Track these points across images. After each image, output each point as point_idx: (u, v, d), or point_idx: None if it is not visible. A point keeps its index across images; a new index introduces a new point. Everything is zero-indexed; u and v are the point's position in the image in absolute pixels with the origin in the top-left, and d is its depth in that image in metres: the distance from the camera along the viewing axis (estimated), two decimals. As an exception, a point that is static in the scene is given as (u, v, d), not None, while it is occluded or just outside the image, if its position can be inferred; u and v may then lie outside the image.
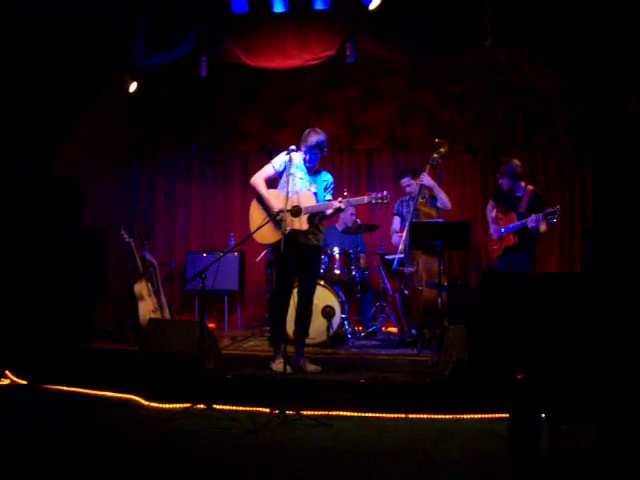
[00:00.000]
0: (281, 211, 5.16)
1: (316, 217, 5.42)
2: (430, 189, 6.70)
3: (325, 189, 5.50)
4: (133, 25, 6.16)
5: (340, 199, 5.31)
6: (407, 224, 6.43)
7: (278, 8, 6.03)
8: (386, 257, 7.23)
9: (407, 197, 7.00)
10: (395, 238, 6.92)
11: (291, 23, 6.11)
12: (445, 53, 6.10)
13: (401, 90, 8.35)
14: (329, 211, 5.38)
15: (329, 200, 5.42)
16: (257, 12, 6.09)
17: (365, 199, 5.36)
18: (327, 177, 5.56)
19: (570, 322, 2.77)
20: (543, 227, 6.03)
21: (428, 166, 6.66)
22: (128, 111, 8.07)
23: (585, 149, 7.93)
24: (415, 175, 6.91)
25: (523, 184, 6.32)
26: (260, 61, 6.30)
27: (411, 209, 6.58)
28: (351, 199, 5.34)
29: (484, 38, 5.65)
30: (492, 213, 6.51)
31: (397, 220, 7.06)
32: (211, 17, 6.21)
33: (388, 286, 7.27)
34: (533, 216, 5.97)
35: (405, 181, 6.96)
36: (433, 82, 8.27)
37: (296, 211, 5.26)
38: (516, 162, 6.28)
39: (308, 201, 5.34)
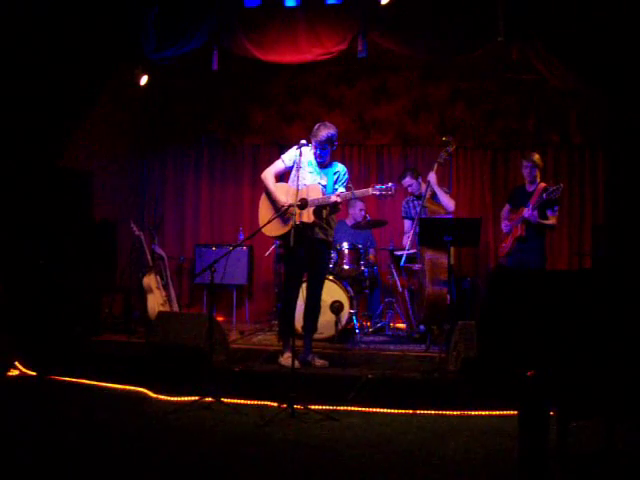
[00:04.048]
0: (291, 205, 5.16)
1: (324, 210, 5.36)
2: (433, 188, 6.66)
3: (335, 181, 5.42)
4: (145, 18, 6.17)
5: (343, 190, 5.32)
6: (416, 220, 6.42)
7: (290, 2, 6.01)
8: (395, 253, 7.22)
9: (411, 197, 7.00)
10: (405, 239, 6.91)
11: (302, 17, 6.10)
12: (457, 49, 6.07)
13: (412, 86, 8.32)
14: (334, 201, 5.29)
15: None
16: (269, 6, 6.07)
17: (369, 191, 5.31)
18: (338, 168, 5.49)
19: (581, 319, 2.76)
20: (552, 220, 6.15)
21: (436, 164, 6.65)
22: (138, 104, 8.09)
23: (596, 145, 7.92)
24: (416, 174, 6.91)
25: (538, 180, 6.32)
26: (271, 55, 6.29)
27: (418, 209, 6.56)
28: (355, 191, 5.31)
29: (496, 34, 5.63)
30: (506, 213, 6.55)
31: (407, 223, 7.04)
32: (223, 10, 6.20)
33: (398, 282, 7.26)
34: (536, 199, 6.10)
35: (407, 181, 6.95)
36: (444, 78, 8.24)
37: (303, 204, 5.25)
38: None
39: (315, 194, 5.32)
